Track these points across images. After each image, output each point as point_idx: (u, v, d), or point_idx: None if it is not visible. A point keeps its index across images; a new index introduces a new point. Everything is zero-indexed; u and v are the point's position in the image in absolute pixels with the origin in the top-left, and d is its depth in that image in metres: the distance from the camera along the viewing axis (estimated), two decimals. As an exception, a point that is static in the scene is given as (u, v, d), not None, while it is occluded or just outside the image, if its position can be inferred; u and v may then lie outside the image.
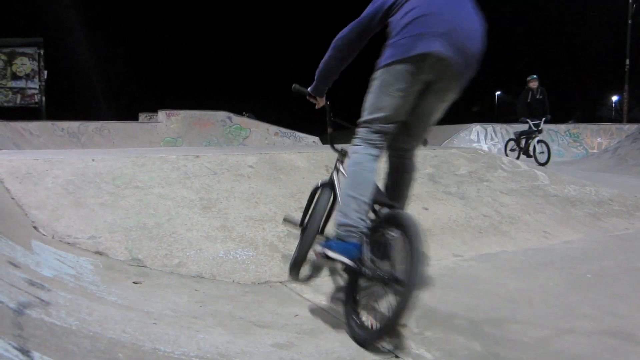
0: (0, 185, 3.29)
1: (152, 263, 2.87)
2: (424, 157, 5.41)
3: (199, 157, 4.34)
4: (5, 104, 16.20)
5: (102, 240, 2.96)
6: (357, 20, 2.49)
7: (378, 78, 2.32)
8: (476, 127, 19.53)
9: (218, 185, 3.92)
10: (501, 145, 19.86)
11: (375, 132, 2.33)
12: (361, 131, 2.38)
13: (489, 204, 4.59)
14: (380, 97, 2.30)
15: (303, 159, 4.74)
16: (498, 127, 20.16)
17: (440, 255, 3.53)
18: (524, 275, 3.13)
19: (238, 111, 16.39)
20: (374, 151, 2.33)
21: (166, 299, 2.34)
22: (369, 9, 2.47)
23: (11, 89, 16.12)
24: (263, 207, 3.73)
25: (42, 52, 15.09)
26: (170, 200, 3.55)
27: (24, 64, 16.16)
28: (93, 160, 3.91)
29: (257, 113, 17.14)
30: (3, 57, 16.02)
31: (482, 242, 3.87)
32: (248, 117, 17.71)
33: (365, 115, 2.37)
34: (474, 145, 18.19)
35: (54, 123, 12.27)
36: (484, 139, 19.28)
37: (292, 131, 16.48)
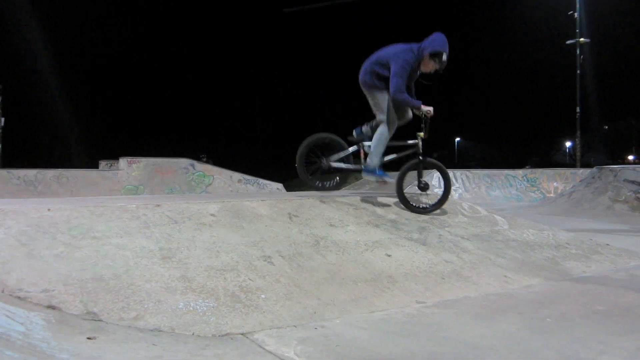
0: (-53, 238, 3.14)
1: (108, 317, 2.76)
2: (387, 203, 5.49)
3: (159, 205, 4.28)
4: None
5: (56, 294, 2.83)
6: None
7: None
8: (437, 173, 19.98)
9: (179, 234, 3.85)
10: (462, 191, 20.37)
11: None
12: None
13: (450, 249, 4.65)
14: None
15: (266, 207, 4.73)
16: (458, 172, 20.72)
17: (404, 303, 3.53)
18: (487, 321, 3.15)
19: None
20: None
21: (122, 355, 2.24)
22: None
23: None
24: (224, 256, 3.67)
25: (0, 99, 14.77)
26: (128, 251, 3.46)
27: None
28: (49, 209, 3.80)
29: (220, 160, 17.09)
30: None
31: (445, 288, 3.89)
32: (205, 161, 17.64)
33: None
34: (435, 190, 18.55)
35: (9, 171, 11.89)
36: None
37: (256, 178, 16.47)
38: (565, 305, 3.53)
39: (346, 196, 5.56)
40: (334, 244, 4.31)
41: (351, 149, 5.77)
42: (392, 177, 5.64)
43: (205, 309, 3.01)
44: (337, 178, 6.17)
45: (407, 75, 5.17)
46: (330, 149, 5.82)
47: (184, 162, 15.61)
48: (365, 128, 5.80)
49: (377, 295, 3.60)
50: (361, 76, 5.54)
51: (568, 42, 30.45)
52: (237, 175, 16.39)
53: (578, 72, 30.04)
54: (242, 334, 2.83)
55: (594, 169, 13.43)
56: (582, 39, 29.86)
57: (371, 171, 5.51)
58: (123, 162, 14.60)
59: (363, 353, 2.55)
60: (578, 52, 30.01)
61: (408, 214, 5.30)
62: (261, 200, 4.85)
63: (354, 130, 5.88)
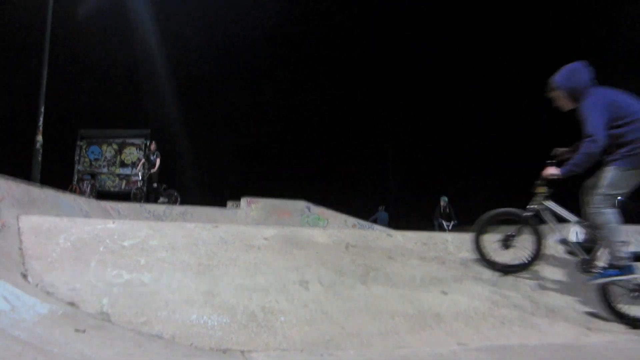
0: (17, 238, 3.55)
1: (118, 319, 2.85)
2: (462, 242, 5.04)
3: (217, 227, 4.40)
4: (112, 189, 18.00)
5: (81, 293, 3.01)
6: None
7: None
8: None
9: (223, 253, 3.91)
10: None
11: None
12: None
13: (525, 293, 4.08)
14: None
15: (324, 236, 4.61)
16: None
17: (441, 342, 3.14)
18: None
19: (318, 201, 16.64)
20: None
21: (95, 347, 2.27)
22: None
23: (118, 175, 17.99)
24: (260, 277, 3.63)
25: (148, 143, 16.76)
26: (167, 263, 3.58)
27: (132, 153, 18.09)
28: (113, 222, 4.12)
29: (335, 204, 17.28)
30: (115, 146, 18.11)
31: (500, 333, 3.39)
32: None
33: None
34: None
35: (142, 205, 13.30)
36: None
37: (370, 223, 16.31)
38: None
39: (418, 231, 5.22)
40: (385, 276, 4.03)
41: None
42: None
43: (215, 323, 2.97)
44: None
45: None
46: None
47: (301, 204, 16.03)
48: None
49: (412, 332, 3.26)
50: None
51: None
52: (351, 220, 16.36)
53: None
54: (241, 351, 2.73)
55: None
56: None
57: None
58: (243, 201, 15.47)
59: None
60: None
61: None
62: (322, 229, 4.75)
63: None
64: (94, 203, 10.84)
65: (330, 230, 4.77)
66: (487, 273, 4.38)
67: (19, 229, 3.72)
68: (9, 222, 3.70)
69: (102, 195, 17.18)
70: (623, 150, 3.83)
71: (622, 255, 3.83)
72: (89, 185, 17.56)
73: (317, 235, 4.62)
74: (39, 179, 12.07)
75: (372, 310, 3.45)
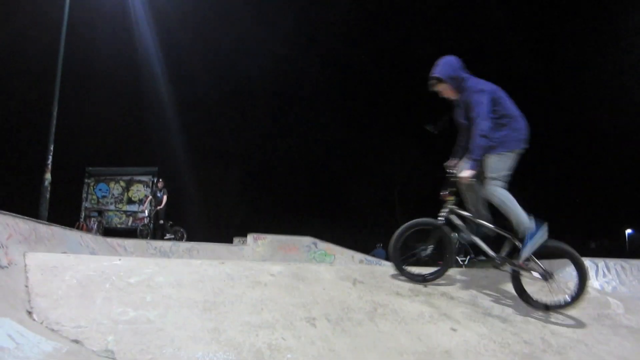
0: (23, 275, 3.55)
1: (123, 356, 2.81)
2: (471, 277, 4.99)
3: (224, 263, 4.39)
4: (119, 226, 18.06)
5: (86, 330, 2.99)
6: None
7: None
8: (584, 262, 17.69)
9: (230, 289, 3.88)
10: (616, 283, 17.66)
11: None
12: None
13: (536, 330, 4.00)
14: None
15: (331, 272, 4.59)
16: (612, 262, 18.12)
17: (451, 380, 3.06)
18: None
19: (325, 237, 16.58)
20: None
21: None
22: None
23: (125, 212, 18.08)
24: (266, 314, 3.59)
25: (155, 180, 16.90)
26: (173, 300, 3.56)
27: (139, 190, 18.25)
28: (119, 259, 4.12)
29: (342, 240, 17.21)
30: (122, 183, 18.28)
31: (511, 371, 3.31)
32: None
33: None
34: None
35: (148, 241, 13.31)
36: (594, 275, 17.32)
37: (378, 259, 16.18)
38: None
39: (425, 267, 5.17)
40: (394, 312, 3.97)
41: None
42: None
43: (220, 360, 2.92)
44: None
45: None
46: None
47: (307, 240, 15.98)
48: None
49: (421, 369, 3.19)
50: None
51: None
52: (359, 256, 16.25)
53: None
54: (246, 389, 2.67)
55: None
56: None
57: None
58: (250, 237, 15.46)
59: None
60: None
61: (494, 289, 4.73)
62: (329, 265, 4.73)
63: None
64: (101, 240, 10.84)
65: (337, 266, 4.74)
66: (497, 309, 4.32)
67: (25, 266, 3.73)
68: (15, 259, 3.72)
69: (109, 232, 17.25)
70: (498, 136, 4.28)
71: (527, 218, 4.35)
72: (96, 223, 17.63)
73: (324, 271, 4.59)
74: (46, 217, 12.14)
75: (380, 347, 3.39)
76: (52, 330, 2.93)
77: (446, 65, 4.41)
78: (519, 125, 4.36)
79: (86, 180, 18.56)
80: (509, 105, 4.37)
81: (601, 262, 18.65)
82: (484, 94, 4.24)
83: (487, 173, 4.35)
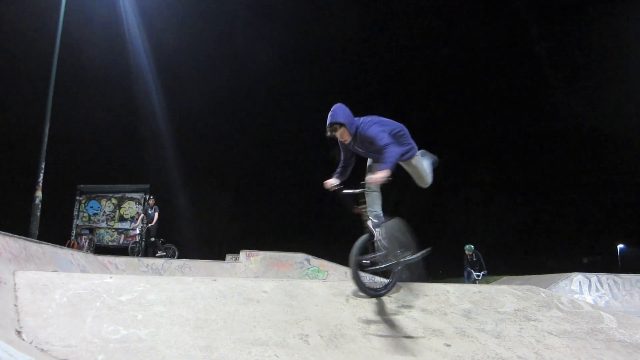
0: (12, 294, 3.50)
1: (113, 376, 2.77)
2: (464, 293, 4.98)
3: (216, 280, 4.36)
4: (110, 243, 17.90)
5: (76, 350, 2.95)
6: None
7: None
8: (577, 277, 17.73)
9: (222, 307, 3.85)
10: (609, 298, 17.71)
11: None
12: None
13: (529, 345, 3.99)
14: None
15: (324, 288, 4.57)
16: (604, 277, 18.17)
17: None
18: None
19: (317, 254, 16.51)
20: None
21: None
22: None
23: (117, 229, 17.93)
24: (259, 332, 3.56)
25: (147, 197, 16.81)
26: (165, 318, 3.52)
27: (131, 208, 18.13)
28: (110, 277, 4.08)
29: (335, 256, 17.12)
30: (114, 201, 18.15)
31: (506, 387, 3.30)
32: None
33: None
34: (576, 296, 16.38)
35: (140, 259, 13.18)
36: (587, 290, 17.35)
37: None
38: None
39: (420, 283, 5.16)
40: (387, 328, 3.96)
41: None
42: None
43: (213, 379, 2.89)
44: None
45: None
46: None
47: (300, 256, 15.90)
48: None
49: (415, 386, 3.17)
50: None
51: None
52: (352, 272, 16.20)
53: None
54: (239, 408, 2.64)
55: None
56: None
57: None
58: (242, 255, 15.35)
59: None
60: None
61: (486, 304, 4.72)
62: (321, 281, 4.71)
63: None
64: (92, 258, 10.74)
65: (330, 283, 4.72)
66: (491, 324, 4.31)
67: (15, 284, 3.68)
68: (5, 277, 3.67)
69: (101, 249, 17.07)
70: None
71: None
72: (87, 240, 17.47)
73: (317, 287, 4.57)
74: (37, 235, 12.01)
75: (374, 364, 3.37)
76: (42, 350, 2.89)
77: (345, 111, 4.66)
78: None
79: (77, 198, 18.41)
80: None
81: (594, 277, 18.74)
82: (379, 128, 4.63)
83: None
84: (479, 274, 14.52)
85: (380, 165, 4.43)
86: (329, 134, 4.67)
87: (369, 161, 4.99)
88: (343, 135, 4.66)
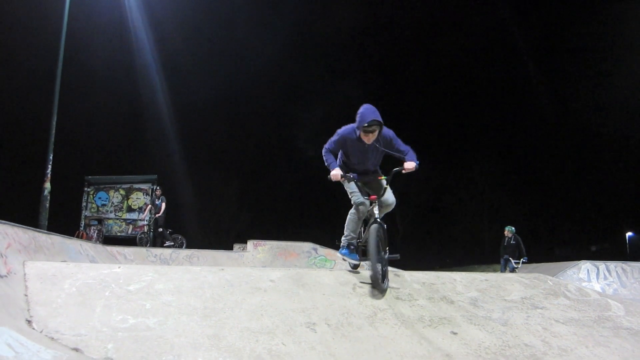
0: (22, 284, 3.54)
1: (122, 364, 2.81)
2: (471, 281, 4.99)
3: (223, 270, 4.39)
4: (119, 234, 18.02)
5: (86, 338, 2.98)
6: None
7: None
8: (585, 265, 17.67)
9: (229, 296, 3.88)
10: (617, 286, 17.64)
11: None
12: None
13: (536, 332, 3.99)
14: None
15: (331, 277, 4.58)
16: (612, 265, 18.09)
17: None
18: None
19: (325, 243, 16.56)
20: None
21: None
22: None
23: (125, 220, 18.05)
24: (266, 320, 3.58)
25: (155, 188, 16.88)
26: (173, 307, 3.55)
27: (139, 198, 18.22)
28: (119, 267, 4.11)
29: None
30: (122, 192, 18.25)
31: (512, 374, 3.31)
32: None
33: None
34: (584, 284, 16.33)
35: (148, 249, 13.27)
36: (595, 278, 17.29)
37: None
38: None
39: (425, 271, 5.17)
40: (394, 316, 3.97)
41: None
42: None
43: (221, 367, 2.92)
44: None
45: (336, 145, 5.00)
46: None
47: (307, 246, 15.94)
48: None
49: (422, 373, 3.18)
50: None
51: None
52: (359, 261, 16.23)
53: None
54: (247, 395, 2.67)
55: None
56: None
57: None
58: (250, 244, 15.42)
59: None
60: None
61: (494, 292, 4.72)
62: (328, 270, 4.72)
63: None
64: (100, 248, 10.83)
65: (336, 272, 4.74)
66: (498, 312, 4.31)
67: (24, 275, 3.72)
68: (15, 268, 3.71)
69: (109, 240, 17.20)
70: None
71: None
72: (96, 231, 17.60)
73: (324, 276, 4.58)
74: (46, 226, 12.11)
75: (381, 352, 3.39)
76: (52, 338, 2.92)
77: (375, 111, 4.69)
78: None
79: (86, 189, 18.51)
80: None
81: (602, 265, 18.67)
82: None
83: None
84: (517, 261, 12.84)
85: (412, 159, 4.78)
86: (369, 129, 4.65)
87: (371, 166, 5.07)
88: (375, 134, 4.73)
